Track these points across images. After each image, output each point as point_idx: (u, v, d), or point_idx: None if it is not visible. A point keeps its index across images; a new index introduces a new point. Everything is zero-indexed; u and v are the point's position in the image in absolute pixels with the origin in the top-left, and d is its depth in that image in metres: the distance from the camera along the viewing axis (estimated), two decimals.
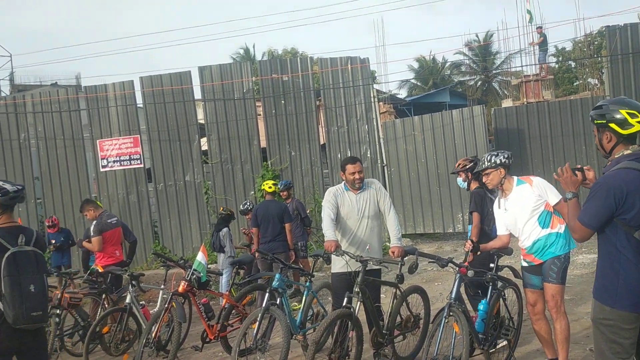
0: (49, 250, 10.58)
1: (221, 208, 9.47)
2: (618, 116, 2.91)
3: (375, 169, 12.79)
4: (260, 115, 13.16)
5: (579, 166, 3.20)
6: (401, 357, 5.24)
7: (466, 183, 5.90)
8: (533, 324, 4.64)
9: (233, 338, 6.08)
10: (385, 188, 12.25)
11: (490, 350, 4.81)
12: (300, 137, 12.88)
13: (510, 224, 4.63)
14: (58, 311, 6.08)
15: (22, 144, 13.27)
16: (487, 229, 5.53)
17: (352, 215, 5.24)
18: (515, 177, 4.61)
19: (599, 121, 2.99)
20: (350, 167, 5.24)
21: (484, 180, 4.67)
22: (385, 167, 12.94)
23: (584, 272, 8.69)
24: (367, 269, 4.84)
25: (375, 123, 12.82)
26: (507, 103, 21.64)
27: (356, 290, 4.73)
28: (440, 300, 6.76)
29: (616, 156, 2.98)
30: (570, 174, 3.12)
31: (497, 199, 4.82)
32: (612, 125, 2.93)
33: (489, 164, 4.56)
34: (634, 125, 2.89)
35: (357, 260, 4.84)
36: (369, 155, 12.80)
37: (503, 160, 4.54)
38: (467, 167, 5.74)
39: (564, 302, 4.47)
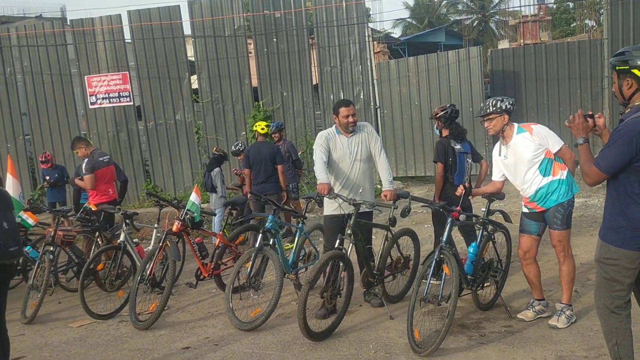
0: (43, 187, 10.56)
1: (214, 148, 9.41)
2: None
3: (368, 111, 12.68)
4: (251, 53, 12.88)
5: (590, 112, 3.26)
6: (391, 296, 5.39)
7: (439, 131, 5.95)
8: (523, 268, 4.75)
9: (226, 276, 6.19)
10: (378, 131, 12.23)
11: (478, 291, 4.95)
12: (292, 77, 12.66)
13: (509, 171, 4.65)
14: (52, 248, 6.11)
15: (7, 78, 12.94)
16: (449, 178, 5.71)
17: (344, 159, 5.24)
18: (516, 125, 4.58)
19: (620, 67, 3.01)
20: (344, 110, 5.18)
21: (485, 126, 4.63)
22: (378, 109, 12.83)
23: (574, 215, 8.83)
24: (359, 211, 4.88)
25: (369, 63, 12.59)
26: (503, 44, 21.35)
27: (348, 232, 4.80)
28: (430, 242, 6.89)
29: (636, 103, 3.02)
30: (582, 120, 3.18)
31: (496, 145, 4.80)
32: (635, 71, 2.96)
33: (494, 109, 4.50)
34: None
35: (350, 204, 4.88)
36: (362, 97, 12.66)
37: (508, 107, 4.49)
38: (439, 115, 5.80)
39: (570, 246, 4.57)
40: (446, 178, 5.73)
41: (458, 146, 5.77)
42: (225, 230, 7.67)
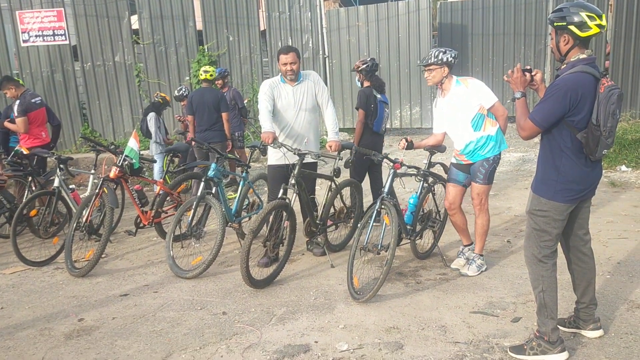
0: None
1: (156, 93, 9.07)
2: (577, 19, 2.98)
3: (317, 60, 12.49)
4: None
5: (529, 67, 3.30)
6: (333, 245, 5.47)
7: (360, 83, 6.26)
8: (450, 217, 4.91)
9: (167, 224, 6.10)
10: (326, 81, 12.12)
11: (417, 241, 5.10)
12: (239, 22, 12.24)
13: (445, 124, 4.72)
14: None
15: None
16: (369, 124, 6.10)
17: (289, 108, 5.16)
18: (455, 77, 4.61)
19: (558, 23, 3.05)
20: (282, 58, 5.07)
21: (425, 76, 4.65)
22: (327, 59, 12.65)
23: (509, 169, 9.16)
24: (303, 162, 4.86)
25: (318, 11, 12.30)
26: None
27: (292, 182, 4.78)
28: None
29: (572, 59, 3.08)
30: (520, 75, 3.24)
31: (436, 97, 4.85)
32: (571, 27, 3.00)
33: (435, 59, 4.50)
34: (591, 28, 2.98)
35: (294, 154, 4.84)
36: (310, 45, 12.42)
37: (449, 59, 4.49)
38: (360, 68, 6.15)
39: (487, 201, 4.72)
40: (366, 125, 6.09)
41: (379, 96, 6.13)
42: (167, 178, 7.50)
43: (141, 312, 4.25)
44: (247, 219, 6.08)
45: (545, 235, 3.21)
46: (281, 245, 4.94)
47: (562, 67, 3.12)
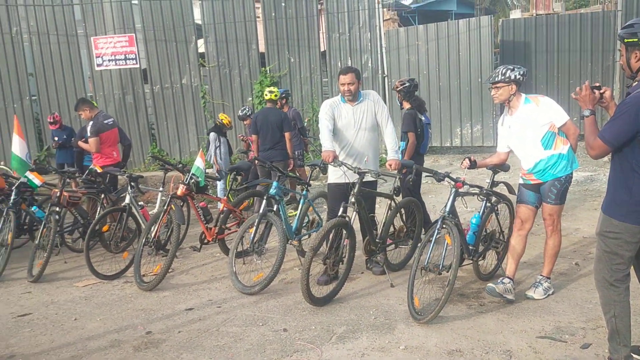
0: (51, 148, 10.55)
1: (221, 116, 9.40)
2: None
3: (376, 80, 12.57)
4: (259, 17, 12.71)
5: (598, 84, 3.23)
6: (392, 265, 5.44)
7: (400, 103, 6.36)
8: (512, 238, 4.69)
9: (230, 241, 6.26)
10: (385, 99, 12.14)
11: (479, 261, 4.99)
12: (300, 43, 12.52)
13: (512, 142, 4.61)
14: (57, 209, 6.17)
15: (14, 38, 12.83)
16: (418, 147, 6.16)
17: (349, 127, 5.22)
18: (523, 95, 4.51)
19: (629, 40, 2.97)
20: (341, 78, 5.16)
21: (492, 94, 4.57)
22: (386, 78, 12.70)
23: (577, 189, 8.83)
24: (363, 180, 4.89)
25: (378, 31, 12.42)
26: (515, 14, 20.93)
27: (352, 200, 4.81)
28: (433, 213, 6.90)
29: None
30: (589, 92, 3.17)
31: (501, 116, 4.76)
32: None
33: (502, 77, 4.41)
34: None
35: (354, 172, 4.88)
36: (370, 64, 12.53)
37: (517, 77, 4.40)
38: (399, 88, 6.23)
39: (560, 221, 4.57)
40: (416, 148, 6.16)
41: (422, 117, 6.20)
42: (229, 196, 7.71)
43: (205, 327, 4.37)
44: (306, 236, 6.15)
45: (616, 258, 3.09)
46: (341, 263, 4.97)
47: (634, 84, 3.02)
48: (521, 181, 4.63)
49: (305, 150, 9.33)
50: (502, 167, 4.89)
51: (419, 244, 4.47)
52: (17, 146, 6.75)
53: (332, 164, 4.87)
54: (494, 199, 4.99)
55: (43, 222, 6.09)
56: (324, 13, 12.64)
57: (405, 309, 4.40)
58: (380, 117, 5.29)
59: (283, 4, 12.33)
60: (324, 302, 4.69)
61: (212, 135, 8.76)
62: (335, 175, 5.24)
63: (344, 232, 4.80)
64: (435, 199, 8.69)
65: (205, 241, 6.08)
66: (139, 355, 3.92)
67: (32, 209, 6.55)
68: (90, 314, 4.83)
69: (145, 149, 12.96)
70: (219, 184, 8.37)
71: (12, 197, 6.17)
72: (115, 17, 12.49)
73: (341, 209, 4.82)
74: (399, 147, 5.79)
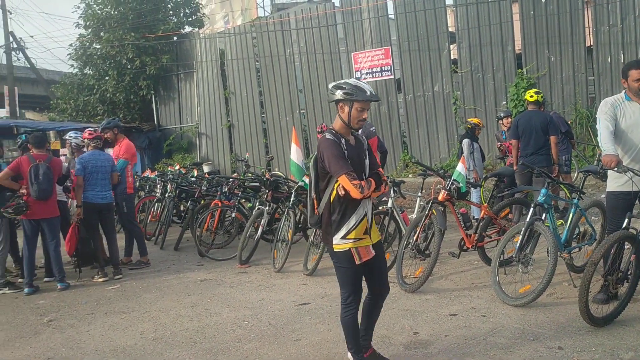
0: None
1: (471, 119, 9.30)
2: None
3: None
4: (516, 17, 12.14)
5: None
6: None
7: None
8: None
9: (490, 249, 6.10)
10: None
11: None
12: (562, 40, 11.59)
13: None
14: None
15: (287, 59, 14.61)
16: None
17: (636, 129, 4.61)
18: None
19: None
20: (634, 73, 4.56)
21: None
22: None
23: None
24: None
25: None
26: None
27: (638, 211, 4.25)
28: None
29: None
30: None
31: None
32: None
33: None
34: None
35: None
36: None
37: None
38: None
39: None
40: None
41: None
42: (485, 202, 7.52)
43: (472, 334, 4.31)
44: (576, 249, 5.64)
45: None
46: (625, 281, 4.42)
47: None
48: None
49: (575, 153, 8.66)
50: None
51: None
52: (295, 154, 7.61)
53: (617, 169, 4.36)
54: None
55: None
56: (591, 5, 11.48)
57: None
58: None
59: (543, 1, 11.58)
60: (604, 322, 4.23)
61: (466, 141, 8.67)
62: (617, 182, 4.69)
63: (629, 246, 4.26)
64: None
65: (465, 248, 6.02)
66: (409, 354, 4.05)
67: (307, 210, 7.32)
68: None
69: (398, 156, 13.45)
70: (475, 191, 8.23)
71: (292, 199, 6.99)
72: (373, 33, 13.28)
73: (626, 221, 4.30)
74: None
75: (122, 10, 16.94)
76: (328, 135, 3.50)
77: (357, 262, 3.49)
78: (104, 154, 7.18)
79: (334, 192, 3.47)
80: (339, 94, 3.47)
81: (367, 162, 3.60)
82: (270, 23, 15.27)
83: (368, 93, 3.46)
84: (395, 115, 13.54)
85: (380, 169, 3.71)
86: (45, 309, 5.84)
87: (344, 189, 3.37)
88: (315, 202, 3.62)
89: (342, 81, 3.52)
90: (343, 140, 3.51)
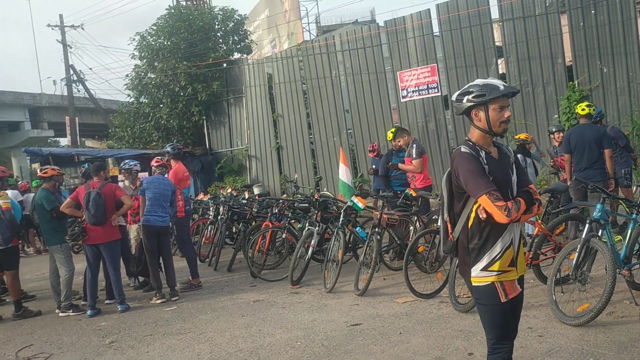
0: (367, 173, 11.73)
1: (525, 135, 9.14)
2: None
3: None
4: (565, 30, 11.92)
5: None
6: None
7: None
8: None
9: (545, 267, 5.95)
10: None
11: None
12: (614, 51, 11.28)
13: None
14: (378, 229, 6.79)
15: (333, 80, 14.80)
16: None
17: None
18: None
19: None
20: None
21: None
22: None
23: None
24: None
25: None
26: None
27: None
28: None
29: None
30: None
31: None
32: None
33: None
34: None
35: None
36: None
37: None
38: None
39: None
40: None
41: None
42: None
43: (529, 355, 4.22)
44: (637, 266, 5.43)
45: None
46: None
47: None
48: None
49: (635, 166, 8.34)
50: None
51: None
52: (344, 173, 7.71)
53: None
54: None
55: (366, 242, 6.77)
56: None
57: None
58: None
59: (593, 12, 11.33)
60: None
61: (520, 157, 8.50)
62: None
63: None
64: None
65: None
66: None
67: (356, 230, 7.35)
68: (413, 329, 5.14)
69: (445, 172, 13.28)
70: None
71: (341, 219, 7.05)
72: (419, 51, 13.31)
73: None
74: None
75: (175, 41, 17.67)
76: (463, 148, 2.92)
77: (503, 299, 2.89)
78: (166, 179, 7.51)
79: (473, 214, 2.87)
80: (467, 101, 2.92)
81: (514, 178, 2.97)
82: (316, 46, 15.55)
83: (502, 87, 2.87)
84: (444, 132, 13.45)
85: (532, 186, 3.02)
86: (106, 330, 6.09)
87: (486, 212, 2.77)
88: (449, 225, 3.05)
89: (466, 86, 2.97)
90: (483, 153, 2.91)
